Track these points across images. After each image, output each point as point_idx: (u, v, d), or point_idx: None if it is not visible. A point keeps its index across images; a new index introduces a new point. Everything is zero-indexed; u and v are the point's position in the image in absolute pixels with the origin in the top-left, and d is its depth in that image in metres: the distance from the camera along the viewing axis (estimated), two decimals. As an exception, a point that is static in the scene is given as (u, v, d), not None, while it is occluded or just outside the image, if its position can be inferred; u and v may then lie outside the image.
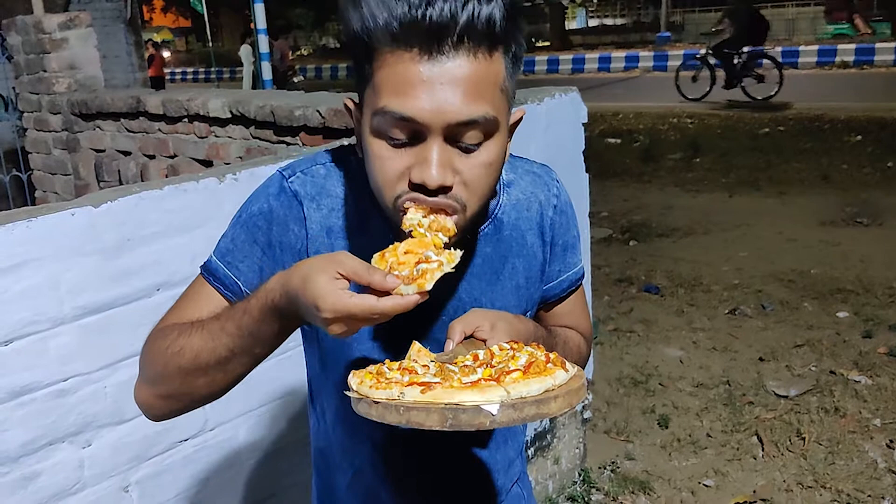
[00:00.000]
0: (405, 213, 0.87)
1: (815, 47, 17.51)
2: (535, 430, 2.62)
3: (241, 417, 1.87)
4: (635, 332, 4.17)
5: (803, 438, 3.06)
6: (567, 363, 0.86)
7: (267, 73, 7.67)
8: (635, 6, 33.55)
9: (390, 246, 0.85)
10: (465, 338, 0.94)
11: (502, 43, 0.86)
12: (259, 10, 7.41)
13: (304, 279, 0.81)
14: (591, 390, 3.21)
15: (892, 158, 7.65)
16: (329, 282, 0.79)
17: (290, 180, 1.00)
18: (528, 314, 1.10)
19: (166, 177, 3.13)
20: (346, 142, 2.04)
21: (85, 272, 1.56)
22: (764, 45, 12.39)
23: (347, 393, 0.83)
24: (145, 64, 8.89)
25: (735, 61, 12.06)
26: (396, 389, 0.79)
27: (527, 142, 2.24)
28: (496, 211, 1.05)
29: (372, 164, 0.89)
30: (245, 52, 16.28)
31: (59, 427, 1.57)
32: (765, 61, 12.03)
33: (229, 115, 3.04)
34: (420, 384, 0.78)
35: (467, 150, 0.87)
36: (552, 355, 0.86)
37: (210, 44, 13.57)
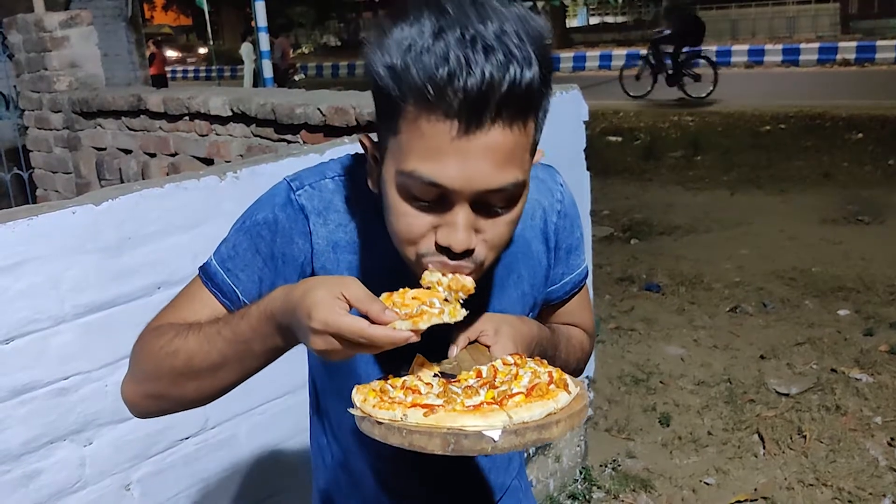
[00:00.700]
0: (426, 269, 0.87)
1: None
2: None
3: (241, 416, 1.87)
4: (636, 330, 4.17)
5: (804, 436, 3.06)
6: (570, 382, 0.86)
7: (268, 71, 7.67)
8: (636, 4, 33.56)
9: (400, 290, 0.85)
10: (469, 343, 0.94)
11: (537, 109, 0.84)
12: (260, 8, 7.39)
13: (307, 291, 0.81)
14: (593, 388, 3.21)
15: (893, 156, 7.64)
16: (329, 297, 0.79)
17: (297, 193, 0.98)
18: (530, 315, 1.09)
19: (167, 175, 3.13)
20: (347, 140, 2.03)
21: (86, 270, 1.56)
22: (701, 45, 12.96)
23: (351, 410, 0.83)
24: (146, 62, 8.88)
25: (672, 61, 12.64)
26: (399, 411, 0.79)
27: (528, 140, 2.23)
28: None
29: (395, 218, 0.87)
30: (246, 50, 16.28)
31: (61, 425, 1.57)
32: (701, 61, 12.63)
33: (230, 114, 3.04)
34: (423, 406, 0.79)
35: (494, 213, 0.86)
36: (555, 373, 0.86)
37: (211, 42, 13.51)
